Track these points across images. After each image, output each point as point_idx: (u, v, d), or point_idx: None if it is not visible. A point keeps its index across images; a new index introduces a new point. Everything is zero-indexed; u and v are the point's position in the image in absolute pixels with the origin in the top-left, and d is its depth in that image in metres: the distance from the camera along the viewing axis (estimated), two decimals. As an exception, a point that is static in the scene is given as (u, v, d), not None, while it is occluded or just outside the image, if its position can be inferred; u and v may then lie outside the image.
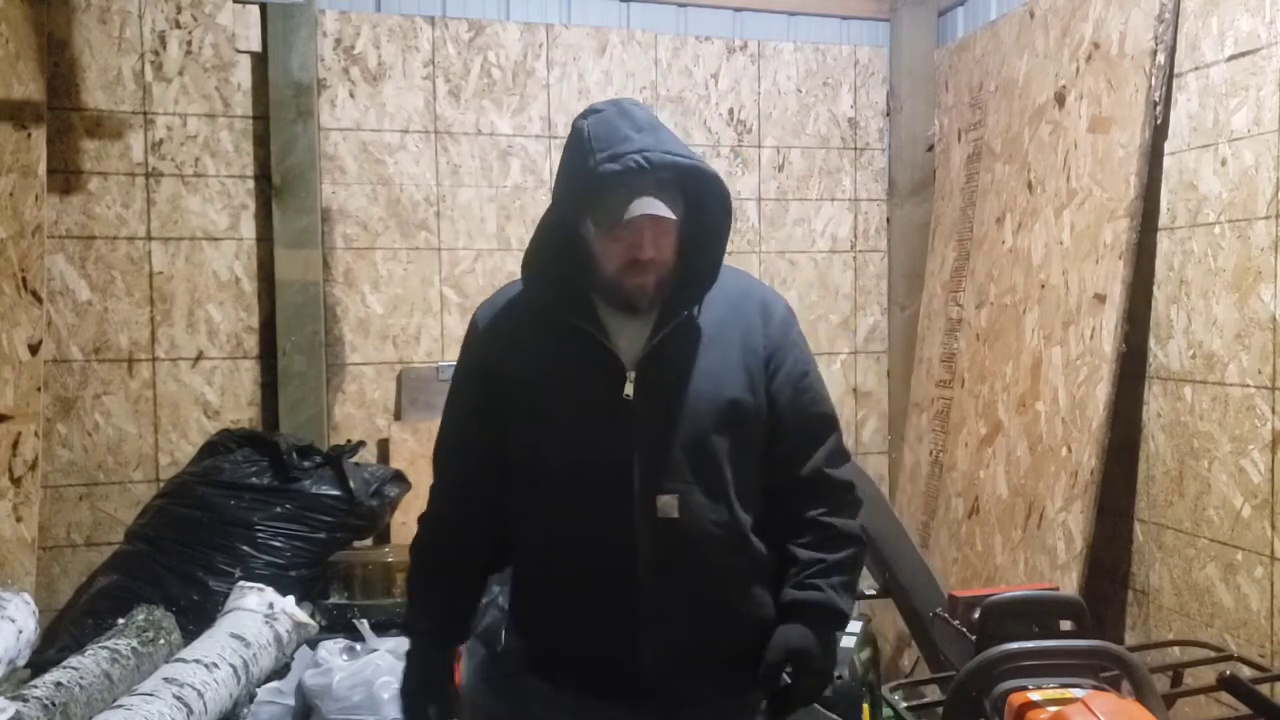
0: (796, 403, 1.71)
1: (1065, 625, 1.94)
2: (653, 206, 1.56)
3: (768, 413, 1.69)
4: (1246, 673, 2.11)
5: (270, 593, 2.91)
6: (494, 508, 1.76)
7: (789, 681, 1.68)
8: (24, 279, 3.23)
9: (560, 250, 1.68)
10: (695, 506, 1.64)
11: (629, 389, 1.63)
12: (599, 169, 1.56)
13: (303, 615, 2.95)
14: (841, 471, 1.75)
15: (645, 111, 1.65)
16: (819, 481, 1.72)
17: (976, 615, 1.96)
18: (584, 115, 1.64)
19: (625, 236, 1.59)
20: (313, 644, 2.88)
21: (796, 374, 1.72)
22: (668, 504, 1.62)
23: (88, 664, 2.49)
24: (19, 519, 3.15)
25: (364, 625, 2.89)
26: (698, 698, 1.67)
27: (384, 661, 2.69)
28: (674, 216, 1.58)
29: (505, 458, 1.71)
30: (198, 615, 2.94)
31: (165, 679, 2.49)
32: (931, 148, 4.16)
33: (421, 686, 1.75)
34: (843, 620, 1.72)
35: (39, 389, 3.23)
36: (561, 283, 1.68)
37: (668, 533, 1.62)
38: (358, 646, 2.79)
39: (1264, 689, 1.99)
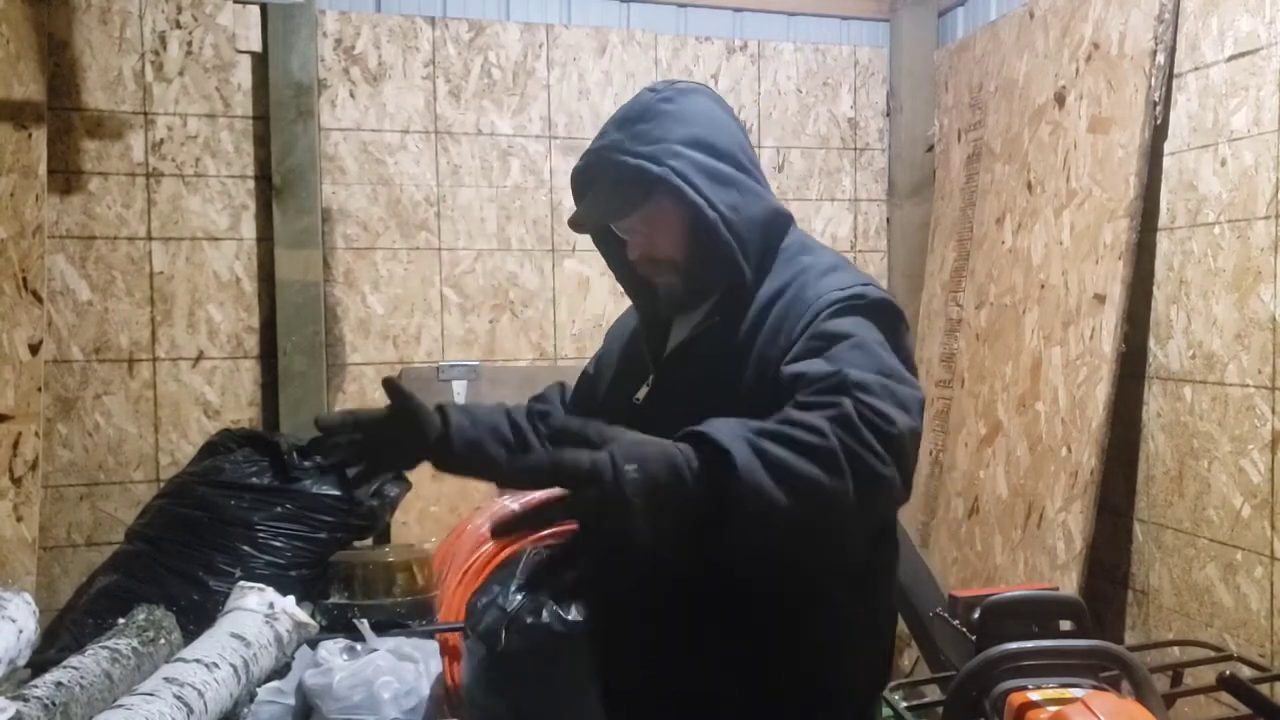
0: (813, 339, 1.34)
1: (1065, 625, 1.94)
2: (581, 212, 1.52)
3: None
4: (1246, 673, 2.11)
5: (271, 593, 2.91)
6: None
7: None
8: (24, 279, 3.23)
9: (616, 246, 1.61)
10: None
11: (641, 393, 1.53)
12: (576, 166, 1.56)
13: (303, 615, 2.95)
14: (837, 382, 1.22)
15: (640, 107, 1.50)
16: (797, 384, 1.26)
17: (976, 615, 1.96)
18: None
19: (623, 235, 1.53)
20: (313, 644, 2.88)
21: (810, 348, 1.33)
22: None
23: (88, 664, 2.49)
24: (19, 519, 3.15)
25: (364, 625, 2.89)
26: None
27: (384, 661, 2.69)
28: (600, 215, 1.51)
29: None
30: (198, 615, 2.94)
31: (166, 679, 2.49)
32: (931, 148, 4.16)
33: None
34: (728, 465, 1.08)
35: (39, 389, 3.23)
36: (633, 278, 1.61)
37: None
38: (358, 646, 2.79)
39: (1264, 689, 1.99)
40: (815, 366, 1.27)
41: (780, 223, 1.56)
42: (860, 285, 1.42)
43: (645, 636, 1.47)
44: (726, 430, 1.11)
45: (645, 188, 1.46)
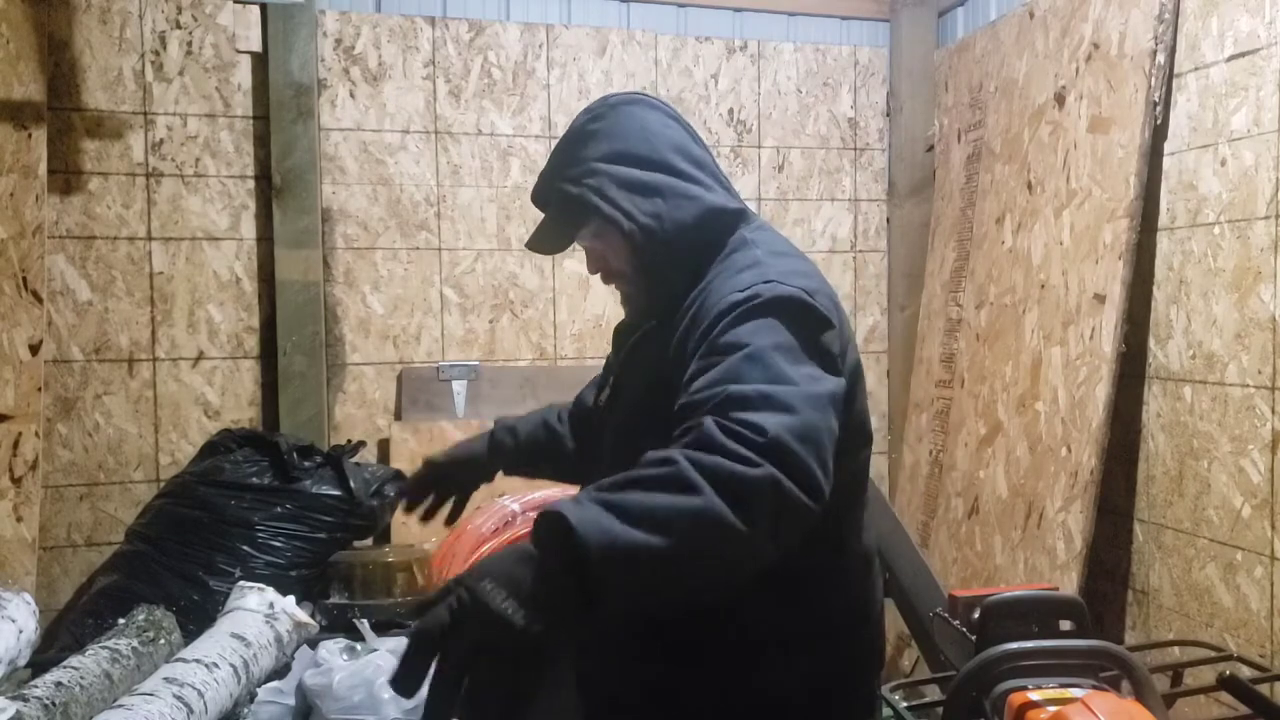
0: (697, 353, 1.33)
1: (1065, 625, 1.94)
2: (532, 241, 1.68)
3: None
4: (1246, 673, 2.11)
5: (271, 593, 2.91)
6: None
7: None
8: (24, 279, 3.23)
9: None
10: None
11: (604, 395, 1.67)
12: None
13: (303, 615, 2.95)
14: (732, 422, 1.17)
15: (570, 129, 1.61)
16: (684, 414, 1.24)
17: (976, 615, 1.96)
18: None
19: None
20: (313, 644, 2.87)
21: (700, 366, 1.31)
22: None
23: (88, 664, 2.49)
24: (19, 519, 3.15)
25: (364, 625, 2.89)
26: None
27: (384, 661, 2.68)
28: (550, 244, 1.67)
29: None
30: (198, 615, 2.94)
31: (166, 679, 2.49)
32: (931, 148, 4.16)
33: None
34: (568, 532, 1.04)
35: (39, 389, 3.23)
36: None
37: None
38: (358, 646, 2.79)
39: (1264, 689, 1.99)
40: (694, 395, 1.25)
41: (721, 220, 1.54)
42: (761, 283, 1.37)
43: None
44: (575, 497, 1.10)
45: (578, 210, 1.55)
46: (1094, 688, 1.69)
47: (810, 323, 1.36)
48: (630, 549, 1.04)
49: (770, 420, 1.16)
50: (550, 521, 1.05)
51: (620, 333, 1.73)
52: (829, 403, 1.25)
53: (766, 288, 1.36)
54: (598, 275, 1.64)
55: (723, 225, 1.54)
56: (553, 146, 1.63)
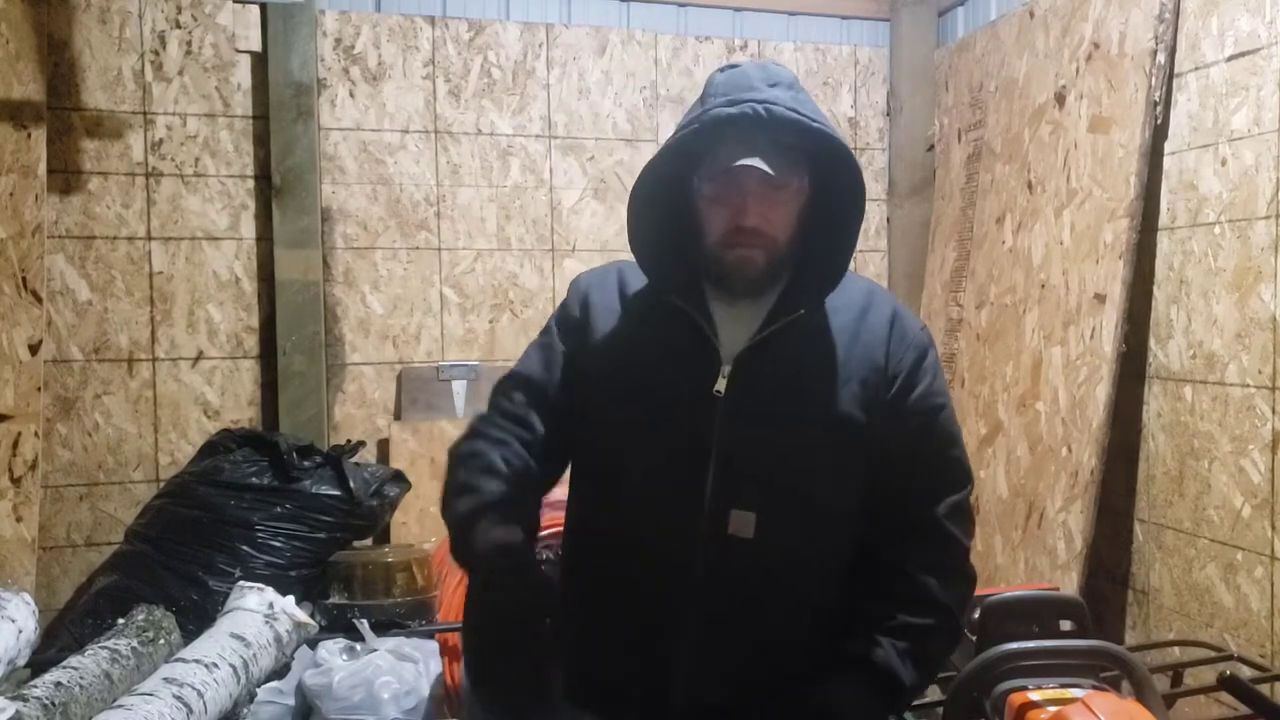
0: (927, 434, 1.45)
1: (1065, 625, 1.94)
2: (758, 161, 1.33)
3: (886, 442, 1.42)
4: (1246, 673, 2.11)
5: (270, 593, 2.91)
6: (543, 467, 1.45)
7: None
8: (24, 279, 3.23)
9: (670, 214, 1.45)
10: (776, 529, 1.38)
11: (720, 384, 1.40)
12: (710, 111, 1.36)
13: (303, 615, 2.95)
14: (961, 533, 1.44)
15: (790, 75, 1.42)
16: (931, 531, 1.42)
17: (977, 615, 1.96)
18: (721, 69, 1.45)
19: (728, 197, 1.38)
20: (313, 644, 2.87)
21: (932, 404, 1.45)
22: (742, 520, 1.37)
23: (88, 664, 2.49)
24: (19, 519, 3.15)
25: (364, 625, 2.89)
26: None
27: (384, 661, 2.68)
28: (778, 175, 1.35)
29: (566, 432, 1.49)
30: (198, 615, 2.94)
31: (165, 679, 2.48)
32: (931, 148, 4.16)
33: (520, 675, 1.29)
34: (900, 698, 1.40)
35: (39, 389, 3.23)
36: (671, 254, 1.46)
37: (737, 554, 1.37)
38: (358, 646, 2.79)
39: (1264, 689, 1.98)
40: (947, 465, 1.47)
41: None
42: (921, 327, 1.54)
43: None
44: (898, 668, 1.39)
45: (801, 156, 1.39)
46: (1094, 688, 1.68)
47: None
48: (917, 691, 1.45)
49: (971, 530, 1.49)
50: (896, 690, 1.39)
51: (613, 311, 1.50)
52: None
53: (926, 333, 1.52)
54: (746, 221, 1.40)
55: None
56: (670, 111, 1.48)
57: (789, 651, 1.42)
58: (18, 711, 2.15)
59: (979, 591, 2.13)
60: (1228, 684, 1.70)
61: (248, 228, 3.61)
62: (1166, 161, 2.89)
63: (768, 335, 1.42)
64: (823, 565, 1.44)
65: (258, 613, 2.83)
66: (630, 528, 1.43)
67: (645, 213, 1.45)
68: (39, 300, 3.25)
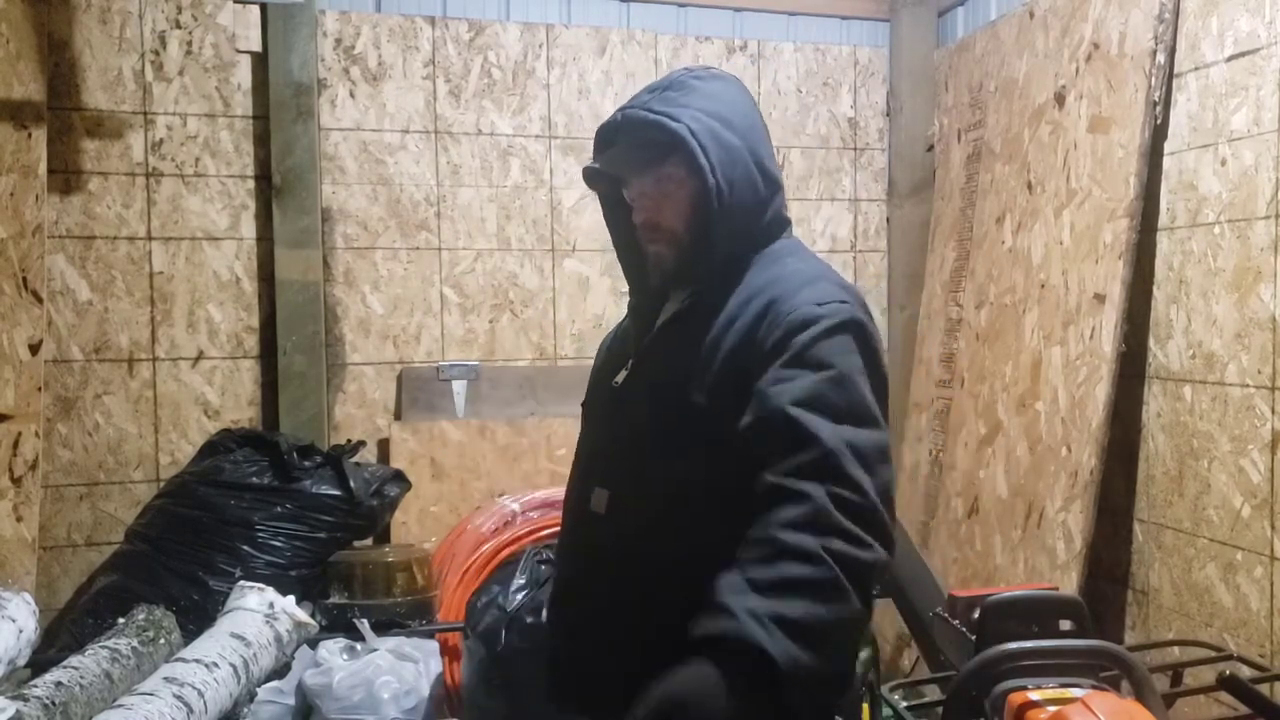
0: (778, 398, 1.35)
1: (1065, 625, 1.94)
2: (594, 163, 1.54)
3: (745, 421, 1.37)
4: (1246, 672, 2.11)
5: (271, 592, 2.91)
6: None
7: None
8: (24, 279, 3.23)
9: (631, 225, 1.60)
10: (623, 507, 1.48)
11: (620, 376, 1.57)
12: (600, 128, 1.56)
13: (303, 615, 2.95)
14: (818, 490, 1.28)
15: (681, 77, 1.53)
16: (785, 493, 1.30)
17: (976, 615, 1.96)
18: None
19: (631, 199, 1.55)
20: (313, 644, 2.88)
21: (784, 375, 1.36)
22: (599, 497, 1.51)
23: (88, 663, 2.49)
24: (19, 519, 3.15)
25: (364, 625, 2.89)
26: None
27: (384, 661, 2.69)
28: (633, 170, 1.50)
29: None
30: (198, 615, 2.94)
31: (165, 678, 2.49)
32: (931, 148, 4.16)
33: None
34: (768, 666, 1.21)
35: (39, 389, 3.23)
36: (637, 266, 1.62)
37: (597, 529, 1.52)
38: (358, 646, 2.79)
39: (1264, 689, 1.99)
40: (787, 428, 1.32)
41: (778, 218, 1.58)
42: (838, 302, 1.44)
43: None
44: (754, 616, 1.23)
45: (662, 148, 1.48)
46: (1094, 688, 1.69)
47: (879, 349, 1.46)
48: (812, 675, 1.23)
49: (867, 482, 1.29)
50: (744, 649, 1.21)
51: (640, 309, 1.62)
52: (887, 451, 1.37)
53: (845, 309, 1.43)
54: (643, 226, 1.54)
55: (777, 223, 1.58)
56: (620, 110, 1.54)
57: (641, 635, 1.44)
58: (18, 711, 2.15)
59: (979, 591, 2.13)
60: (1227, 684, 1.70)
61: (248, 228, 3.61)
62: (1166, 162, 2.89)
63: (660, 326, 1.55)
64: (672, 547, 1.43)
65: (258, 612, 2.83)
66: (565, 517, 1.67)
67: (612, 228, 1.64)
68: (39, 300, 3.25)
